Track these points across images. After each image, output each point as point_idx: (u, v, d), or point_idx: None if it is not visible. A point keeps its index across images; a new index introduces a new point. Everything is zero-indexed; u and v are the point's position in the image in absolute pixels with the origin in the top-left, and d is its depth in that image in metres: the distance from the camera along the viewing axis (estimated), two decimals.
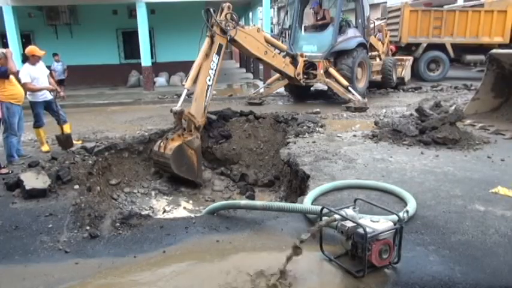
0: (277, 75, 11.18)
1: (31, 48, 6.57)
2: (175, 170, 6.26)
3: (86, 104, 12.38)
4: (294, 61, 10.10)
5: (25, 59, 6.91)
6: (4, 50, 5.88)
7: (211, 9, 6.95)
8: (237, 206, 3.95)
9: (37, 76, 6.46)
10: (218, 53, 6.87)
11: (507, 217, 3.72)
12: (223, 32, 7.01)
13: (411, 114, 7.68)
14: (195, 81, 6.72)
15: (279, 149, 6.65)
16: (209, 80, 6.73)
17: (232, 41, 7.35)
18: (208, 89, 6.72)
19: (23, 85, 6.26)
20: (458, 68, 18.24)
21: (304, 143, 6.50)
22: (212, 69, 6.75)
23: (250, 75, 18.84)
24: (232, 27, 7.16)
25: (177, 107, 6.35)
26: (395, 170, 5.09)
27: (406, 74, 14.22)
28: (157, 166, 6.61)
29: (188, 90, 6.60)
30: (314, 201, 4.01)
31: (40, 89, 6.49)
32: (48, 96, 6.65)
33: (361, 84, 11.30)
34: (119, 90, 15.40)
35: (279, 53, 9.64)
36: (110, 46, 16.51)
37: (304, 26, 12.07)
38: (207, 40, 6.89)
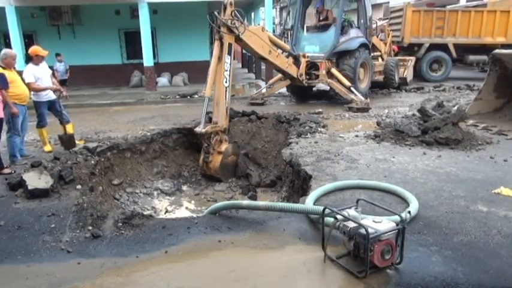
0: (279, 75, 11.16)
1: (35, 48, 6.58)
2: (230, 179, 6.89)
3: (89, 104, 12.40)
4: (296, 61, 10.09)
5: (28, 59, 6.92)
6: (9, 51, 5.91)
7: (215, 12, 6.96)
8: (239, 206, 3.95)
9: (40, 76, 6.46)
10: (229, 53, 6.92)
11: (510, 218, 3.72)
12: (231, 30, 7.03)
13: (413, 115, 7.67)
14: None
15: (281, 149, 6.66)
16: (226, 82, 6.81)
17: (238, 40, 7.36)
18: (226, 91, 6.83)
19: (27, 85, 6.28)
20: (460, 68, 18.19)
21: (306, 143, 6.50)
22: (226, 70, 6.83)
23: (253, 76, 18.84)
24: (240, 23, 7.16)
25: (200, 128, 6.43)
26: (398, 170, 5.09)
27: (409, 74, 14.19)
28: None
29: (209, 98, 6.64)
30: (316, 202, 4.01)
31: (44, 89, 6.50)
32: (52, 96, 6.66)
33: (364, 85, 11.27)
34: (121, 90, 15.42)
35: (282, 53, 9.63)
36: (112, 46, 16.51)
37: (306, 27, 12.06)
38: (216, 43, 6.92)
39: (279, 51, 9.34)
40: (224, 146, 6.71)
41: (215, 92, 6.77)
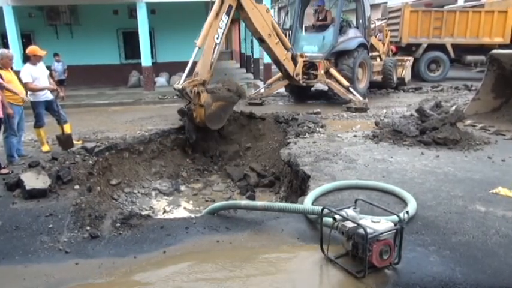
0: (278, 75, 11.17)
1: (32, 48, 6.55)
2: (221, 125, 7.12)
3: (87, 104, 12.38)
4: (294, 61, 10.09)
5: (26, 58, 6.90)
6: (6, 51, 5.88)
7: None
8: (237, 206, 3.95)
9: (38, 76, 6.44)
10: (228, 14, 7.07)
11: (508, 218, 3.72)
12: None
13: (412, 115, 7.68)
14: None
15: (280, 149, 6.65)
16: (217, 38, 6.95)
17: (240, 10, 7.41)
18: (215, 46, 6.93)
19: (25, 85, 6.25)
20: (458, 69, 18.22)
21: (304, 143, 6.50)
22: (221, 28, 6.98)
23: (251, 76, 18.83)
24: None
25: (179, 84, 6.47)
26: (396, 170, 5.09)
27: (407, 74, 14.20)
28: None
29: (199, 48, 6.76)
30: (314, 202, 4.01)
31: (41, 89, 6.48)
32: (49, 96, 6.64)
33: (362, 85, 11.28)
34: (119, 90, 15.38)
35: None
36: (110, 46, 16.47)
37: (305, 27, 12.05)
38: (218, 1, 7.06)
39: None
40: (203, 99, 6.72)
41: (205, 44, 6.87)
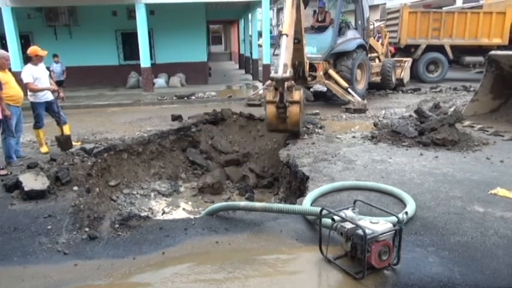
0: None
1: (34, 49, 6.53)
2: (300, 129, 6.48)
3: (86, 105, 12.37)
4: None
5: (27, 59, 6.88)
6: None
7: None
8: (236, 207, 3.95)
9: (39, 76, 6.43)
10: (294, 8, 7.03)
11: (506, 218, 3.73)
12: None
13: (410, 116, 7.69)
14: None
15: (279, 150, 6.65)
16: (292, 30, 6.76)
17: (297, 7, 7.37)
18: (292, 38, 6.68)
19: (26, 85, 6.24)
20: (457, 70, 18.25)
21: (303, 144, 6.50)
22: (293, 20, 6.84)
23: (250, 77, 18.83)
24: None
25: (279, 74, 5.61)
26: (395, 171, 5.09)
27: (405, 75, 14.22)
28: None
29: (287, 36, 6.25)
30: (313, 203, 4.02)
31: (42, 89, 6.47)
32: (49, 96, 6.63)
33: (361, 86, 11.30)
34: (118, 91, 15.38)
35: None
36: (109, 47, 16.47)
37: (304, 28, 12.06)
38: None
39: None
40: (297, 95, 5.95)
41: (288, 37, 6.35)
